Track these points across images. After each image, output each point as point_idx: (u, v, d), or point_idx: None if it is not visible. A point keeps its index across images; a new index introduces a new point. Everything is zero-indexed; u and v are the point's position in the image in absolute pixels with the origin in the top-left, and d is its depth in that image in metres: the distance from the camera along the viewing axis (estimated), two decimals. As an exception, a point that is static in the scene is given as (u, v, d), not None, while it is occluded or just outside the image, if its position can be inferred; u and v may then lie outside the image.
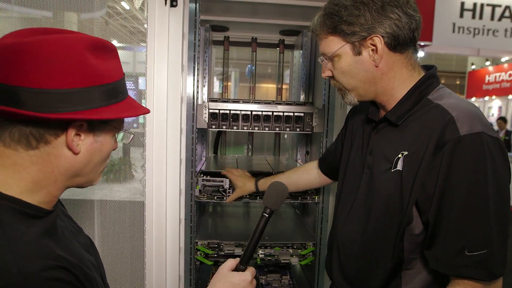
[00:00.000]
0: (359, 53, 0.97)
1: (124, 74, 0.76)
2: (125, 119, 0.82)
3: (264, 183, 1.64)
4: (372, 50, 0.95)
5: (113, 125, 0.74)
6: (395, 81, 0.99)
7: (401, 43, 0.95)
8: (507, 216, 0.86)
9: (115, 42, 1.55)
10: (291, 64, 2.83)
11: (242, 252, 0.92)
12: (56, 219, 0.73)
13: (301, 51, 2.36)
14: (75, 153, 0.69)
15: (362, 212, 1.04)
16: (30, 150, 0.66)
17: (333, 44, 0.99)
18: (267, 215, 0.93)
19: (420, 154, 0.90)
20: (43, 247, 0.63)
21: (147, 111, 0.78)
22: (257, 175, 1.75)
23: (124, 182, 1.66)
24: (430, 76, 0.99)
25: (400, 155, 0.95)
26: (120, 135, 0.80)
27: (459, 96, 0.97)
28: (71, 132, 0.66)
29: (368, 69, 0.98)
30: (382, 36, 0.93)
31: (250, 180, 1.69)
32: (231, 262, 0.91)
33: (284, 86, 2.71)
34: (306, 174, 1.52)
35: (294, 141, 2.69)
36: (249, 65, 2.90)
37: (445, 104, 0.91)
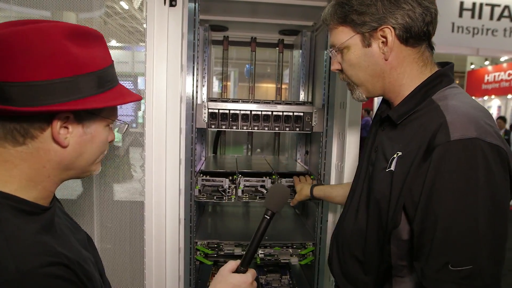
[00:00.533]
0: (369, 45, 0.93)
1: (112, 61, 0.72)
2: (123, 111, 0.79)
3: (318, 189, 1.68)
4: (383, 42, 0.92)
5: (103, 115, 0.70)
6: (404, 77, 0.95)
7: (414, 36, 0.90)
8: (504, 231, 0.79)
9: (114, 42, 1.54)
10: (290, 63, 2.83)
11: (242, 253, 0.92)
12: (53, 215, 0.71)
13: (301, 51, 2.35)
14: (63, 147, 0.66)
15: (362, 209, 1.04)
16: (18, 147, 0.64)
17: (343, 35, 0.96)
18: (268, 217, 0.92)
19: (411, 157, 0.86)
20: (41, 244, 0.62)
21: (138, 98, 0.74)
22: (262, 175, 1.82)
23: (123, 182, 1.65)
24: (440, 74, 0.93)
25: (395, 156, 0.92)
26: (116, 128, 0.76)
27: (466, 98, 0.90)
28: (56, 125, 0.63)
29: (377, 63, 0.94)
30: (394, 28, 0.89)
31: (307, 186, 1.74)
32: (232, 264, 0.90)
33: (283, 86, 2.71)
34: None
35: (294, 140, 2.69)
36: (247, 65, 2.89)
37: (444, 106, 0.86)
